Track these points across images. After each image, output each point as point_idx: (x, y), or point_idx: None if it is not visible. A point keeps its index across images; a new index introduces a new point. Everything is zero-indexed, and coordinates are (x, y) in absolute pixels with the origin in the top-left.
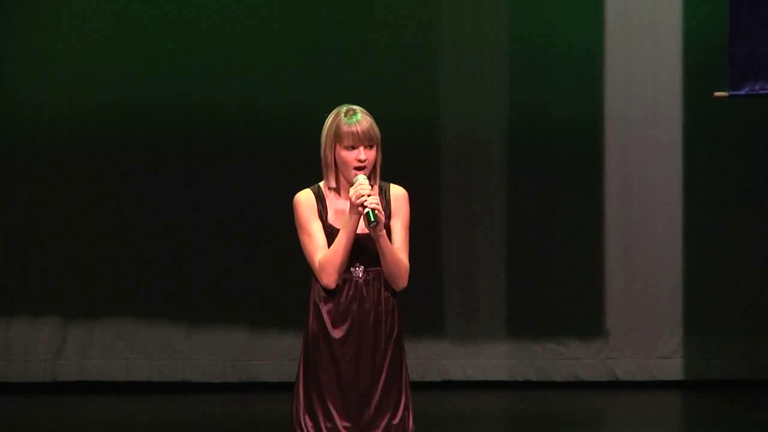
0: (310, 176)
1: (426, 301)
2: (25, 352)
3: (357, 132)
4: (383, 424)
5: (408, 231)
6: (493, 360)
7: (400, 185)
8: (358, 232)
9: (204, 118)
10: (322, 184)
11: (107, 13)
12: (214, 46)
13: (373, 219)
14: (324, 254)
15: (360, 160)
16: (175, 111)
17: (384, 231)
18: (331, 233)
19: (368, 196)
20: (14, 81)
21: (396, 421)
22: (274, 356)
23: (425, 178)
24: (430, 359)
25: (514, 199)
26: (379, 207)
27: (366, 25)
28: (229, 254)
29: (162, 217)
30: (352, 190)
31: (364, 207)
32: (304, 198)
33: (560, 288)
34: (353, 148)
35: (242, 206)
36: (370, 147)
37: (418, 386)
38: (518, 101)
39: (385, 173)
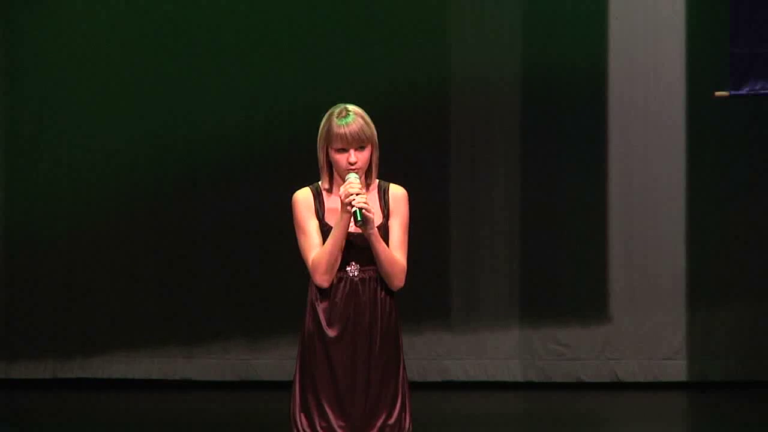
0: (312, 177)
1: (428, 300)
2: (27, 349)
3: (346, 134)
4: (379, 424)
5: (407, 231)
6: (494, 360)
7: (401, 184)
8: (353, 231)
9: (199, 126)
10: (320, 182)
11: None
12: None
13: (359, 218)
14: (316, 253)
15: (350, 163)
16: (168, 121)
17: (375, 230)
18: (326, 232)
19: (357, 195)
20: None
21: (392, 421)
22: (274, 355)
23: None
24: (431, 359)
25: (514, 204)
26: (368, 206)
27: None
28: (229, 253)
29: (163, 217)
30: (341, 189)
31: (353, 206)
32: (302, 197)
33: (562, 289)
34: (344, 150)
35: (243, 206)
36: (361, 148)
37: (418, 386)
38: (527, 94)
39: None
